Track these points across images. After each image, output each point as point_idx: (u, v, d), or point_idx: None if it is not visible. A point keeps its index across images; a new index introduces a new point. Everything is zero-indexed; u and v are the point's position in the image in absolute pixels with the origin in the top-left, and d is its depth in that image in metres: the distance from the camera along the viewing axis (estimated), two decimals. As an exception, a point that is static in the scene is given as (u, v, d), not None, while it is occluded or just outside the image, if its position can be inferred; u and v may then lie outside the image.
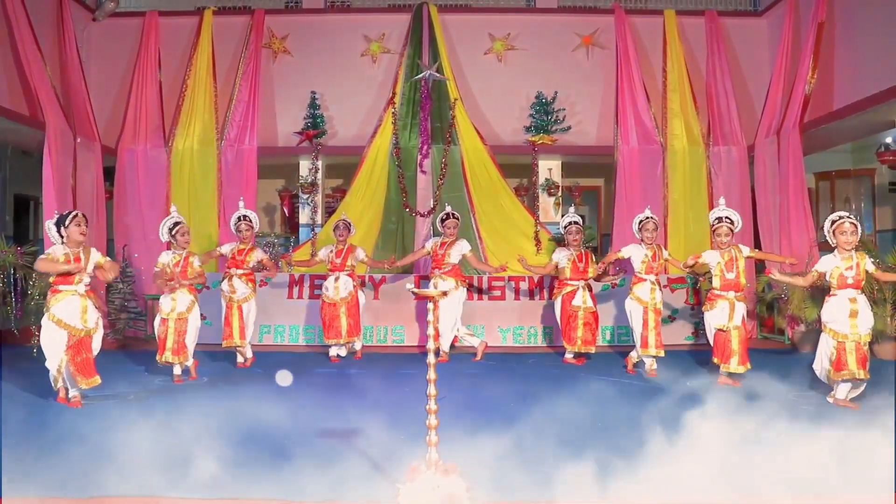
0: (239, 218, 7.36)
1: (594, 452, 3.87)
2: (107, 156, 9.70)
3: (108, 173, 9.88)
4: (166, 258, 6.47)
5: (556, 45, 10.36)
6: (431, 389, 3.07)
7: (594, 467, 3.62)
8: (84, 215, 5.43)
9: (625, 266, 9.47)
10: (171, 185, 9.84)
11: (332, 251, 7.65)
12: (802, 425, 4.58)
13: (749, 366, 6.08)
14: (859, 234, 5.29)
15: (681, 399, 5.60)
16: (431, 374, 3.07)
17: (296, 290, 8.90)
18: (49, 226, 5.41)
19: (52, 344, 5.18)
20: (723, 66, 10.00)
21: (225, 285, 7.20)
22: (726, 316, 6.10)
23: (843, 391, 5.25)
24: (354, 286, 7.61)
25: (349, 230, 7.78)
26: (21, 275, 7.71)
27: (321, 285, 7.93)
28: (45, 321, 5.23)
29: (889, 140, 8.78)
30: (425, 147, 9.94)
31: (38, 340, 7.53)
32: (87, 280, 5.32)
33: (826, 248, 5.60)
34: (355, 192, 9.88)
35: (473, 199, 9.83)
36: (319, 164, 10.24)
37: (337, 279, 7.55)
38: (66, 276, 5.22)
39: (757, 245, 9.55)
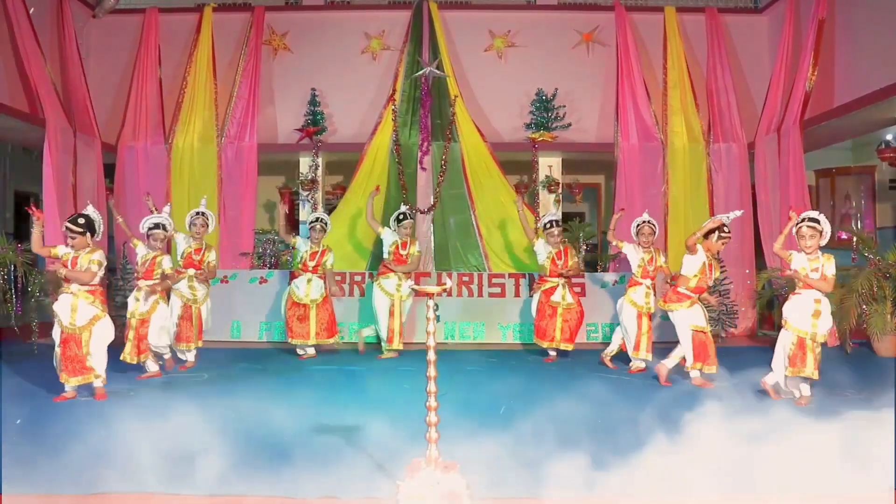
0: (197, 213, 7.09)
1: (593, 449, 3.88)
2: (107, 153, 9.71)
3: (109, 170, 9.88)
4: (141, 251, 6.44)
5: (556, 42, 10.35)
6: (431, 386, 3.07)
7: (593, 464, 3.63)
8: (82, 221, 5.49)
9: (623, 265, 9.52)
10: (171, 182, 9.85)
11: (307, 251, 7.58)
12: (801, 423, 4.59)
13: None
14: (825, 238, 5.24)
15: (677, 397, 5.62)
16: (431, 371, 3.08)
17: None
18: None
19: (55, 336, 5.45)
20: (723, 63, 9.99)
21: (184, 287, 6.86)
22: (702, 317, 6.05)
23: (806, 389, 5.25)
24: (326, 289, 7.57)
25: (325, 231, 7.70)
26: (21, 272, 7.72)
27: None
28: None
29: (889, 137, 8.77)
30: (425, 144, 9.94)
31: (38, 337, 7.61)
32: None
33: (828, 247, 5.56)
34: (355, 189, 9.88)
35: (474, 196, 9.83)
36: (319, 161, 10.23)
37: (309, 280, 7.50)
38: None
39: (757, 243, 9.55)
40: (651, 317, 6.79)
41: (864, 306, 7.52)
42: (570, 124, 10.13)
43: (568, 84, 10.18)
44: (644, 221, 6.85)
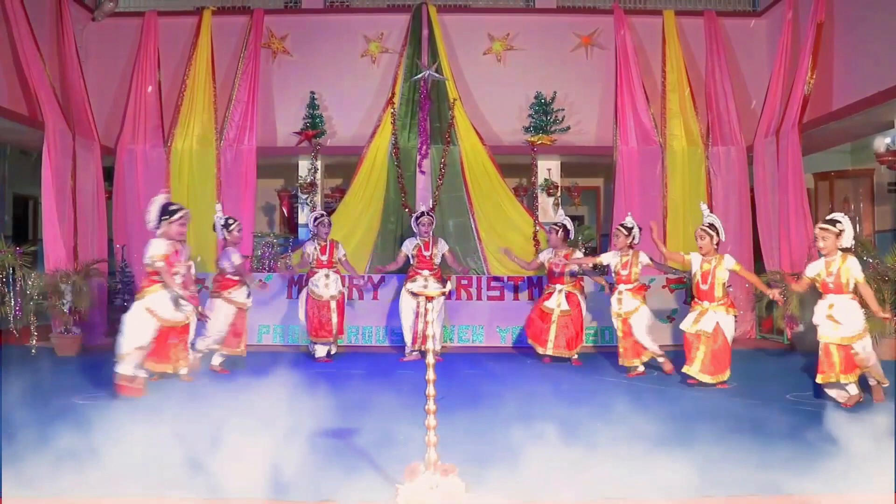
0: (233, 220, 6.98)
1: (593, 451, 3.87)
2: (106, 156, 9.71)
3: (108, 173, 9.88)
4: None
5: (555, 45, 10.37)
6: (430, 389, 3.07)
7: (592, 466, 3.63)
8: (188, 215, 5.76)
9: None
10: (171, 185, 9.83)
11: (316, 248, 7.58)
12: (801, 425, 4.58)
13: (722, 377, 5.88)
14: (838, 241, 5.17)
15: (678, 398, 5.62)
16: (430, 374, 3.07)
17: (295, 289, 8.88)
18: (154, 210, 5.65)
19: (139, 328, 5.44)
20: (722, 66, 10.00)
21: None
22: (692, 320, 6.01)
23: (853, 388, 5.20)
24: (343, 284, 7.59)
25: (330, 224, 7.72)
26: (20, 274, 7.71)
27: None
28: (136, 307, 5.50)
29: (888, 140, 8.77)
30: (424, 147, 9.94)
31: (37, 340, 7.60)
32: (180, 275, 5.59)
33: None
34: (354, 193, 9.88)
35: (472, 200, 9.84)
36: (318, 164, 10.24)
37: (327, 276, 7.48)
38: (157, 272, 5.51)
39: (756, 246, 9.55)
40: (629, 322, 6.63)
41: (864, 310, 7.47)
42: (568, 127, 10.15)
43: (567, 87, 10.19)
44: (619, 227, 6.89)
